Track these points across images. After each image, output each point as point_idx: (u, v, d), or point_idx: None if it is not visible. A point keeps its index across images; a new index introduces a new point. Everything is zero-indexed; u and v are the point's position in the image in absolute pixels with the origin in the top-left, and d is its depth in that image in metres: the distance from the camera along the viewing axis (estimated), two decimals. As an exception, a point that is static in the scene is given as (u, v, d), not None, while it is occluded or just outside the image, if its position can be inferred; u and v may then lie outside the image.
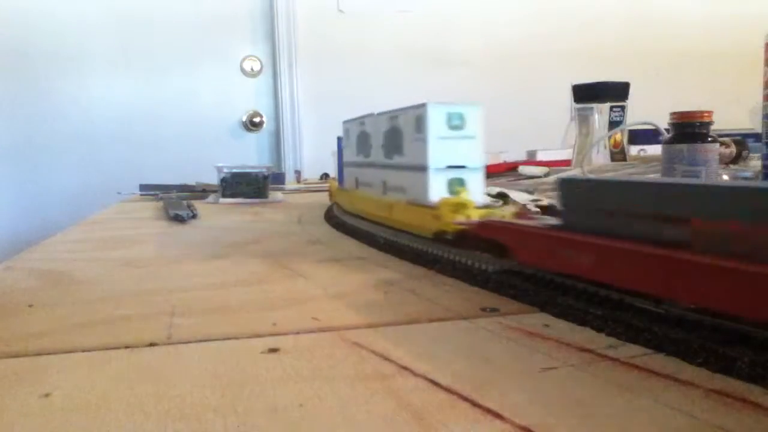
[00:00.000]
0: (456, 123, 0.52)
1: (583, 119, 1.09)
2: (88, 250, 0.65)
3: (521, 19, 2.23)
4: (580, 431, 0.21)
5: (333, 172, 1.60)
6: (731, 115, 1.93)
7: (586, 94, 1.09)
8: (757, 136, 0.79)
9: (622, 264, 0.29)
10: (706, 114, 0.72)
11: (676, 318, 0.29)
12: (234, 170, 1.17)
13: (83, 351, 0.30)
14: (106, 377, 0.27)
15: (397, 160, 0.58)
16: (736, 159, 1.12)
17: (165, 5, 1.99)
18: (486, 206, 0.49)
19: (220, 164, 1.19)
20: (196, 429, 0.21)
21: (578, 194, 0.34)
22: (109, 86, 1.98)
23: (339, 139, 0.89)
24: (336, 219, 0.79)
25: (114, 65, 1.98)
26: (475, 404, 0.23)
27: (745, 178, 0.77)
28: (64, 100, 1.95)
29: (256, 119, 2.09)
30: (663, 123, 0.79)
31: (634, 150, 1.42)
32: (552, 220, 0.37)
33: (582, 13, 2.27)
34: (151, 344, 0.31)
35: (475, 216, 0.45)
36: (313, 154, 2.05)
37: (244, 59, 2.07)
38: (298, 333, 0.33)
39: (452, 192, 0.50)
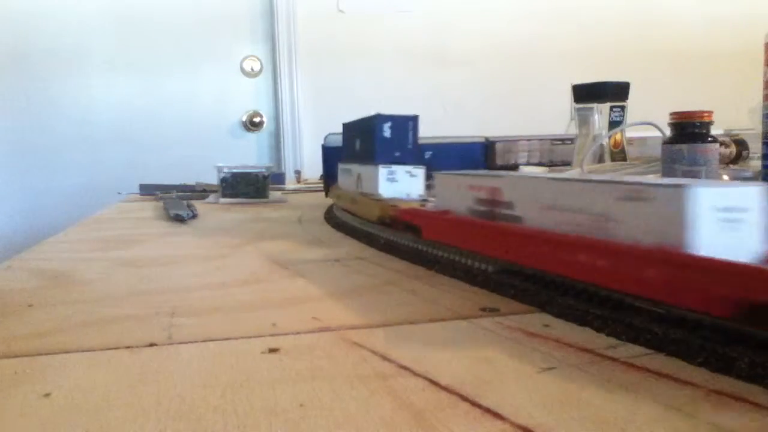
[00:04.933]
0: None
1: (583, 119, 1.09)
2: (88, 250, 0.65)
3: (521, 19, 2.23)
4: (580, 431, 0.21)
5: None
6: (731, 115, 1.93)
7: (586, 94, 1.09)
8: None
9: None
10: (706, 114, 0.72)
11: (676, 318, 0.29)
12: (234, 170, 1.17)
13: (83, 351, 0.30)
14: (106, 377, 0.27)
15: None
16: (736, 159, 1.12)
17: (165, 5, 1.99)
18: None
19: (220, 164, 1.19)
20: (196, 429, 0.21)
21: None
22: (109, 86, 1.98)
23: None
24: (336, 219, 0.79)
25: (114, 65, 1.98)
26: (475, 404, 0.23)
27: (746, 178, 0.77)
28: (64, 100, 1.96)
29: (256, 119, 2.09)
30: (663, 123, 0.79)
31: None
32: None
33: (582, 13, 2.27)
34: (151, 344, 0.31)
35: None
36: (313, 154, 2.05)
37: (244, 59, 2.08)
38: (298, 333, 0.33)
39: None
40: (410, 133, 0.66)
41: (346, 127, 0.82)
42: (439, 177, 0.51)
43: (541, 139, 1.12)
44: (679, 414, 0.22)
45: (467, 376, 0.26)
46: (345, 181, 0.81)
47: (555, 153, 1.12)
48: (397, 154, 0.65)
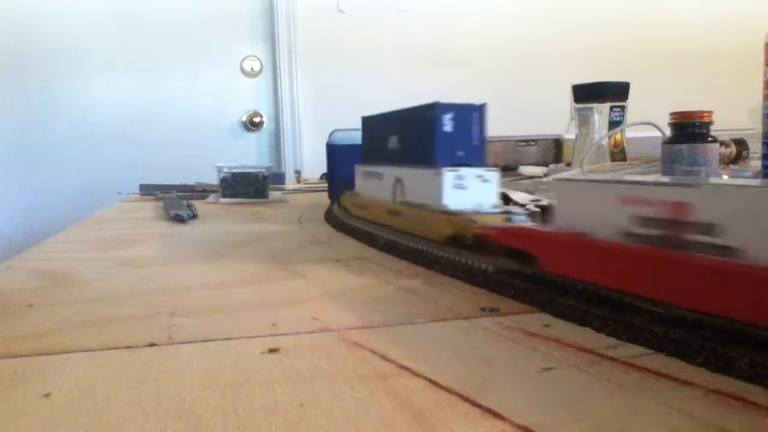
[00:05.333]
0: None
1: (583, 119, 1.09)
2: (88, 250, 0.65)
3: (521, 19, 2.23)
4: (580, 431, 0.21)
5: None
6: (731, 115, 1.93)
7: (586, 94, 1.09)
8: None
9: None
10: (706, 114, 0.72)
11: (676, 318, 0.29)
12: (234, 170, 1.17)
13: (83, 351, 0.30)
14: (106, 377, 0.27)
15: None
16: (736, 159, 1.12)
17: (165, 5, 1.99)
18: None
19: (220, 164, 1.19)
20: (196, 429, 0.21)
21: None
22: (109, 86, 1.98)
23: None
24: (336, 219, 0.79)
25: (114, 65, 1.98)
26: (475, 404, 0.23)
27: (746, 179, 0.77)
28: (64, 100, 1.95)
29: (256, 119, 2.09)
30: (663, 123, 0.79)
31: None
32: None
33: (582, 13, 2.27)
34: (151, 344, 0.31)
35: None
36: (313, 154, 2.05)
37: (244, 59, 2.07)
38: (298, 333, 0.33)
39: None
40: (475, 127, 0.54)
41: (370, 121, 0.70)
42: (565, 184, 0.36)
43: (506, 141, 1.10)
44: (679, 414, 0.22)
45: (467, 376, 0.26)
46: (370, 186, 0.68)
47: (520, 154, 1.11)
48: (461, 153, 0.53)
